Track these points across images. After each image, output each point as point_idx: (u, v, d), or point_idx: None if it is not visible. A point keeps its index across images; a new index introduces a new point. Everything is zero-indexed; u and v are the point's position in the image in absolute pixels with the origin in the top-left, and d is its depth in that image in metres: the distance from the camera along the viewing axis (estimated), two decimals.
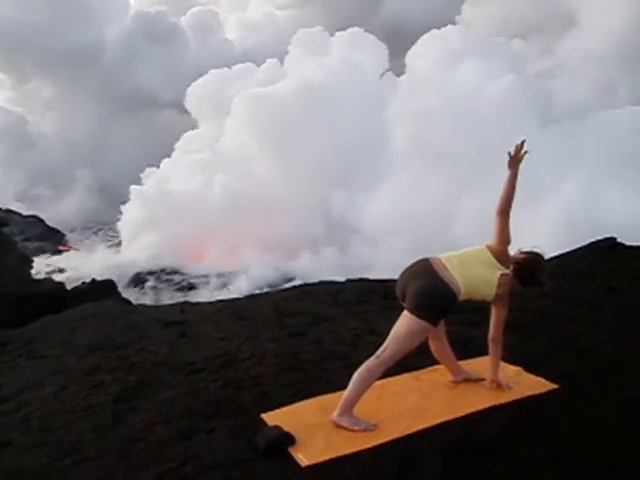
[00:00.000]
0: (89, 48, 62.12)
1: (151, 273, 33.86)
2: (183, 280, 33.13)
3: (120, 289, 29.86)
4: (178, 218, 37.66)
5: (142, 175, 43.40)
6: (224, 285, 31.84)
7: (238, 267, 33.30)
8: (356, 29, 45.36)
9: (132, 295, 29.65)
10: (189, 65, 61.78)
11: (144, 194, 40.46)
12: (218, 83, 45.17)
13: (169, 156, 43.99)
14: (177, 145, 44.61)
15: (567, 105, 38.08)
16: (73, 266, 31.31)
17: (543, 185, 29.35)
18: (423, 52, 40.67)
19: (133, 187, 41.42)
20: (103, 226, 51.50)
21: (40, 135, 63.69)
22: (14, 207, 44.42)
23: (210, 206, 38.10)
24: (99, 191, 59.22)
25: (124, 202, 45.23)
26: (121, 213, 43.57)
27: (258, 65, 47.22)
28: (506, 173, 3.07)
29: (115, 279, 30.73)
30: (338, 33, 45.91)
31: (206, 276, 33.26)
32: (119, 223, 41.76)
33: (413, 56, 41.14)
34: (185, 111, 49.77)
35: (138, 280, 32.92)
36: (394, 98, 39.14)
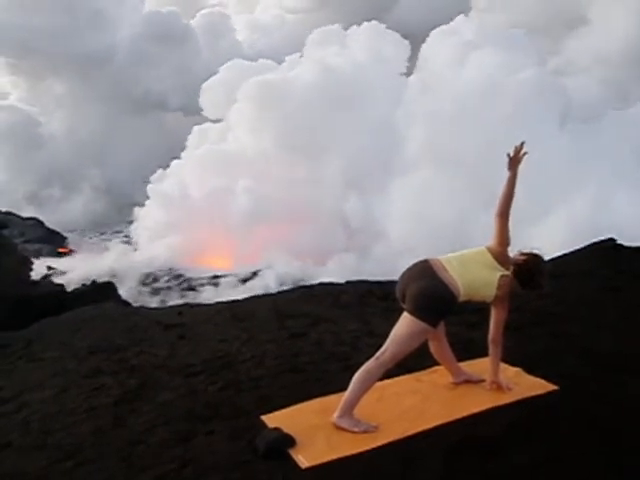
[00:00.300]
0: (101, 50, 61.99)
1: (164, 273, 33.51)
2: (197, 280, 32.71)
3: (133, 290, 29.83)
4: (192, 218, 37.10)
5: (153, 177, 42.83)
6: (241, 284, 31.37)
7: (258, 267, 32.76)
8: (374, 23, 42.85)
9: (144, 296, 29.54)
10: (199, 67, 61.38)
11: (161, 194, 39.93)
12: (236, 77, 43.02)
13: (178, 157, 43.21)
14: (188, 143, 43.33)
15: (579, 104, 36.65)
16: (76, 268, 31.14)
17: (560, 187, 28.93)
18: (434, 49, 39.43)
19: (150, 187, 40.96)
20: (106, 228, 51.44)
21: (50, 136, 63.54)
22: (26, 209, 44.43)
23: (225, 207, 37.25)
24: (106, 193, 59.14)
25: (131, 204, 45.05)
26: (129, 215, 43.37)
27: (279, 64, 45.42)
28: (506, 174, 3.08)
29: (128, 279, 30.67)
30: (355, 28, 43.60)
31: (220, 277, 32.81)
32: (133, 225, 41.40)
33: (425, 53, 39.98)
34: (195, 113, 49.10)
35: (151, 280, 32.59)
36: (407, 97, 37.96)
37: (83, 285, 24.45)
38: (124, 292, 27.96)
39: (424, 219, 31.61)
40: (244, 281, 31.28)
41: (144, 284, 31.73)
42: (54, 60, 63.39)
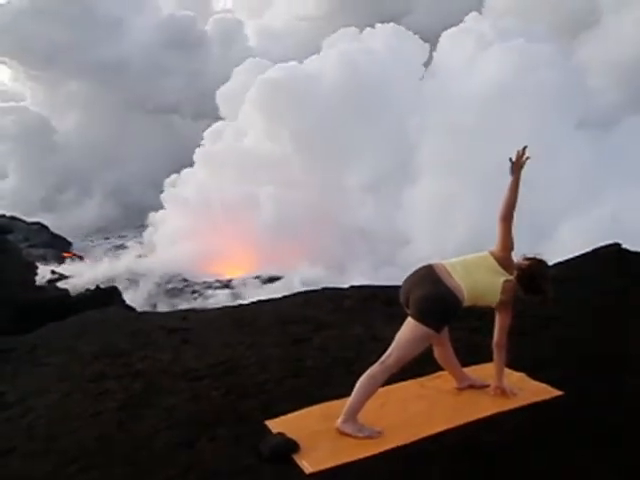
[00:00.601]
0: (117, 57, 62.13)
1: (180, 277, 33.09)
2: (215, 285, 32.32)
3: (149, 294, 29.69)
4: (208, 222, 36.69)
5: (167, 181, 42.54)
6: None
7: (277, 274, 32.24)
8: (392, 25, 40.94)
9: (159, 300, 29.35)
10: (211, 72, 61.33)
11: (177, 198, 39.61)
12: (253, 78, 39.70)
13: (189, 161, 42.75)
14: (202, 145, 42.55)
15: (594, 108, 34.42)
16: (86, 273, 31.05)
17: (576, 194, 28.28)
18: (448, 49, 37.89)
19: (166, 191, 40.81)
20: (110, 233, 51.50)
21: (62, 140, 63.75)
22: (33, 214, 44.58)
23: (241, 211, 36.58)
24: (114, 198, 59.28)
25: (139, 209, 44.79)
26: (137, 220, 43.06)
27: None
28: (509, 179, 3.09)
29: (144, 283, 30.52)
30: (370, 30, 42.64)
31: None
32: (148, 229, 41.20)
33: (440, 54, 38.38)
34: (205, 117, 48.62)
35: (166, 285, 32.22)
36: (423, 101, 36.89)
37: (87, 290, 24.49)
38: (140, 296, 27.95)
39: (448, 226, 30.40)
40: (263, 286, 30.91)
41: (160, 288, 31.47)
42: (72, 68, 63.85)
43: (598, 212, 26.62)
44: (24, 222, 39.26)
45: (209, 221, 36.84)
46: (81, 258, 35.93)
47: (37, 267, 27.85)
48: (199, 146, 41.67)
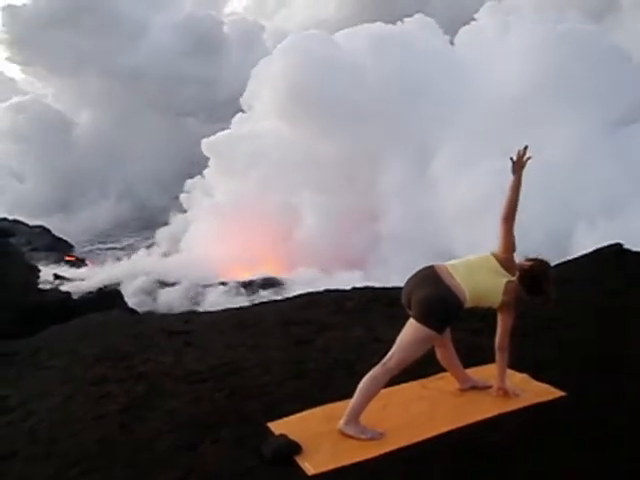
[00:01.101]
0: (138, 62, 61.98)
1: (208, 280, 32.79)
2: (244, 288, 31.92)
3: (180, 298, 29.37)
4: (230, 225, 36.17)
5: (188, 182, 41.87)
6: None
7: (305, 276, 31.70)
8: (420, 16, 38.63)
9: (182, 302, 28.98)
10: (230, 75, 61.06)
11: (202, 200, 39.07)
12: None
13: (203, 164, 42.00)
14: (219, 147, 41.60)
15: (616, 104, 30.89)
16: (94, 277, 30.80)
17: (606, 196, 27.59)
18: (467, 44, 36.14)
19: (189, 192, 40.54)
20: (118, 237, 51.22)
21: (80, 145, 63.65)
22: (46, 218, 44.46)
23: (261, 214, 35.74)
24: (129, 201, 59.17)
25: (149, 213, 44.23)
26: (144, 222, 42.50)
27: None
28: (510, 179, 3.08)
29: (165, 287, 29.71)
30: (395, 25, 38.86)
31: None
32: (166, 231, 40.72)
33: (460, 49, 36.14)
34: (219, 121, 48.18)
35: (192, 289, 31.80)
36: (448, 96, 35.65)
37: (89, 293, 24.48)
38: (164, 298, 27.85)
39: (480, 229, 28.89)
40: (291, 289, 30.30)
41: (186, 292, 31.03)
42: (94, 73, 63.85)
43: (625, 215, 25.92)
44: (26, 225, 39.29)
45: (236, 223, 35.99)
46: (83, 261, 35.91)
47: (40, 270, 27.88)
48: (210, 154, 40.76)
